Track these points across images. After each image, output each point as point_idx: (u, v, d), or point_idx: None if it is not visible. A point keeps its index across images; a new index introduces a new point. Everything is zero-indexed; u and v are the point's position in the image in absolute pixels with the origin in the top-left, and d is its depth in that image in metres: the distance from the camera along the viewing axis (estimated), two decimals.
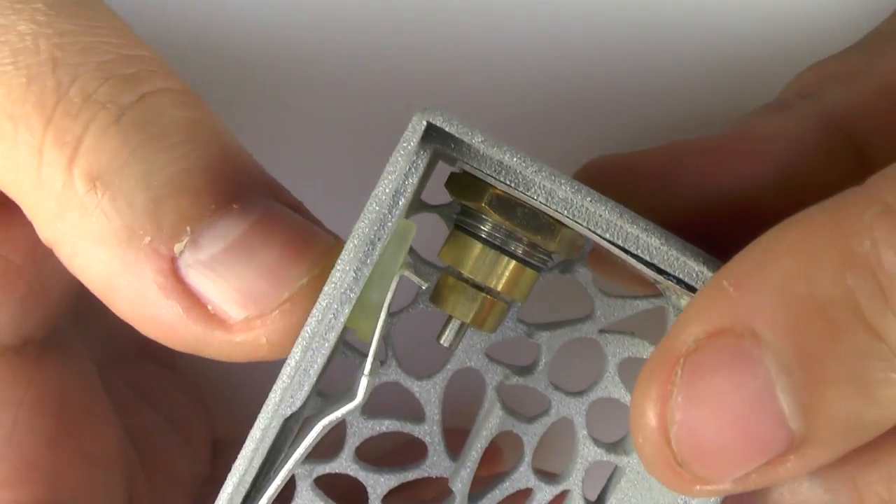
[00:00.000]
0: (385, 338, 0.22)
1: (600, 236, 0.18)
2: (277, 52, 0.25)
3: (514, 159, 0.18)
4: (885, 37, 0.23)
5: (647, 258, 0.18)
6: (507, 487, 0.22)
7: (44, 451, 0.20)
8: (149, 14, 0.24)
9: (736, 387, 0.16)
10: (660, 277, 0.18)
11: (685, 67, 0.26)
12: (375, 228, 0.18)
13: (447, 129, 0.17)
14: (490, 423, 0.22)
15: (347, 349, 0.22)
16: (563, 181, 0.18)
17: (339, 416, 0.19)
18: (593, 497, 0.23)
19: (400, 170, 0.17)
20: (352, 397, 0.19)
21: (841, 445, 0.16)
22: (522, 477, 0.22)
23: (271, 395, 0.18)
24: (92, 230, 0.17)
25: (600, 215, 0.18)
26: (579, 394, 0.22)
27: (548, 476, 0.23)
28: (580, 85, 0.26)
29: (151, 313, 0.17)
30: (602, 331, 0.22)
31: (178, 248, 0.17)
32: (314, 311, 0.18)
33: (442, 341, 0.20)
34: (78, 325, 0.23)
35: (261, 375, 0.19)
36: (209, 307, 0.17)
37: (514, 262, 0.19)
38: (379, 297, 0.19)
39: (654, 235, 0.18)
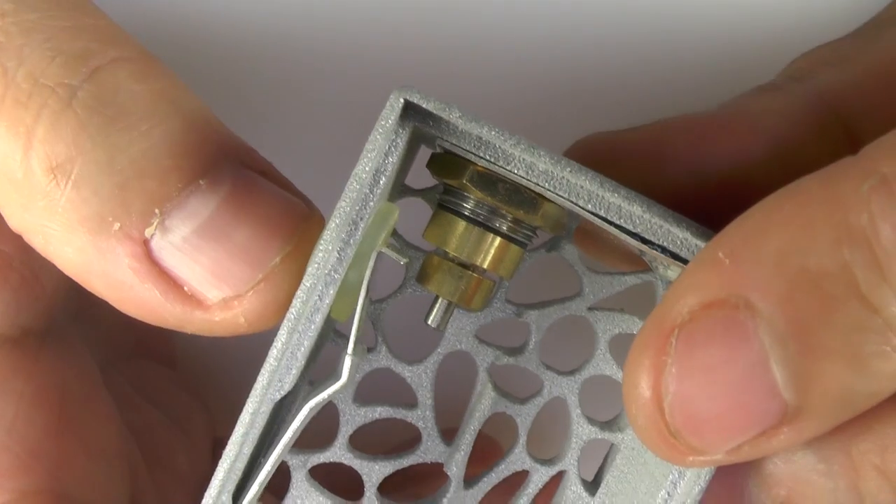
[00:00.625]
0: (374, 324, 0.22)
1: (582, 208, 0.18)
2: (267, 41, 0.25)
3: (492, 133, 0.17)
4: (877, 26, 0.23)
5: (631, 228, 0.18)
6: (502, 470, 0.22)
7: (45, 442, 0.20)
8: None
9: (730, 358, 0.16)
10: (645, 248, 0.18)
11: (676, 55, 0.26)
12: (357, 208, 0.18)
13: (424, 106, 0.17)
14: (483, 404, 0.22)
15: (338, 337, 0.22)
16: (541, 153, 0.18)
17: (325, 396, 0.19)
18: (590, 477, 0.22)
19: (379, 148, 0.17)
20: (337, 378, 0.19)
21: (834, 417, 0.16)
22: (518, 459, 0.22)
23: (259, 378, 0.18)
24: (60, 220, 0.17)
25: (581, 186, 0.18)
26: (571, 373, 0.22)
27: (543, 458, 0.22)
28: (570, 75, 0.26)
29: (130, 296, 0.17)
30: (591, 308, 0.22)
31: (148, 231, 0.17)
32: (298, 292, 0.18)
33: (430, 322, 0.20)
34: (77, 322, 0.23)
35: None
36: (185, 288, 0.17)
37: (498, 239, 0.19)
38: (359, 277, 0.19)
39: (636, 203, 0.18)
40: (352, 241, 0.18)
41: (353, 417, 0.22)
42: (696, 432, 0.16)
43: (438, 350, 0.22)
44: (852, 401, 0.16)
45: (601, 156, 0.22)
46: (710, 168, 0.21)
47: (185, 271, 0.17)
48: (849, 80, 0.21)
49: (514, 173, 0.18)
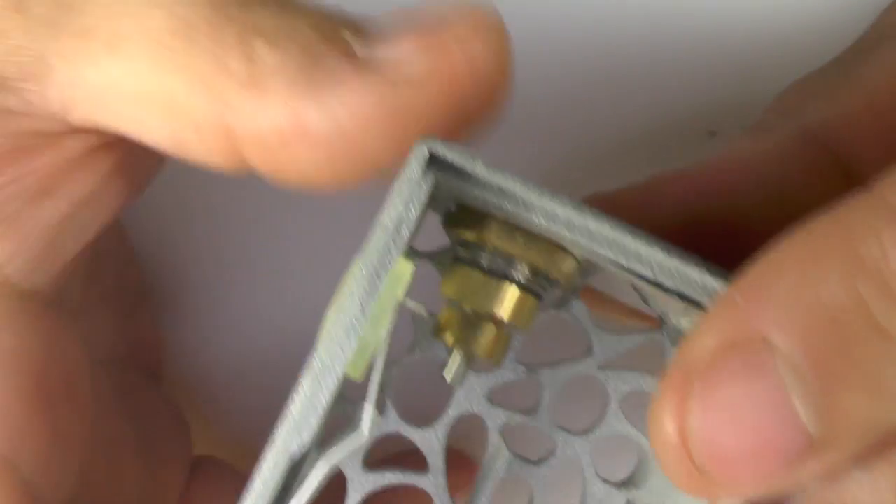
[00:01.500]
0: (383, 387, 0.21)
1: (603, 256, 0.18)
2: None
3: (515, 184, 0.18)
4: (862, 50, 0.24)
5: (651, 275, 0.18)
6: None
7: (14, 406, 0.19)
8: None
9: (752, 394, 0.16)
10: (663, 295, 0.18)
11: (672, 66, 0.26)
12: (380, 257, 0.18)
13: (448, 157, 0.18)
14: (497, 467, 0.22)
15: (344, 401, 0.21)
16: (564, 201, 0.18)
17: (345, 452, 0.18)
18: None
19: (405, 198, 0.18)
20: (356, 433, 0.19)
21: (859, 445, 0.16)
22: None
23: (279, 429, 0.18)
24: (272, 73, 0.18)
25: (602, 233, 0.18)
26: (584, 432, 0.22)
27: None
28: (566, 92, 0.27)
29: (344, 91, 0.18)
30: (602, 367, 0.22)
31: (347, 35, 0.18)
32: (323, 340, 0.18)
33: (445, 375, 0.20)
34: (76, 317, 0.22)
35: (246, 395, 0.19)
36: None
37: (516, 289, 0.19)
38: (372, 334, 0.18)
39: (657, 248, 0.18)
40: (375, 293, 0.18)
41: (363, 484, 0.22)
42: (723, 469, 0.16)
43: (449, 412, 0.22)
44: (876, 429, 0.16)
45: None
46: (704, 218, 0.22)
47: (394, 57, 0.18)
48: (838, 111, 0.22)
49: (534, 221, 0.18)
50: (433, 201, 0.20)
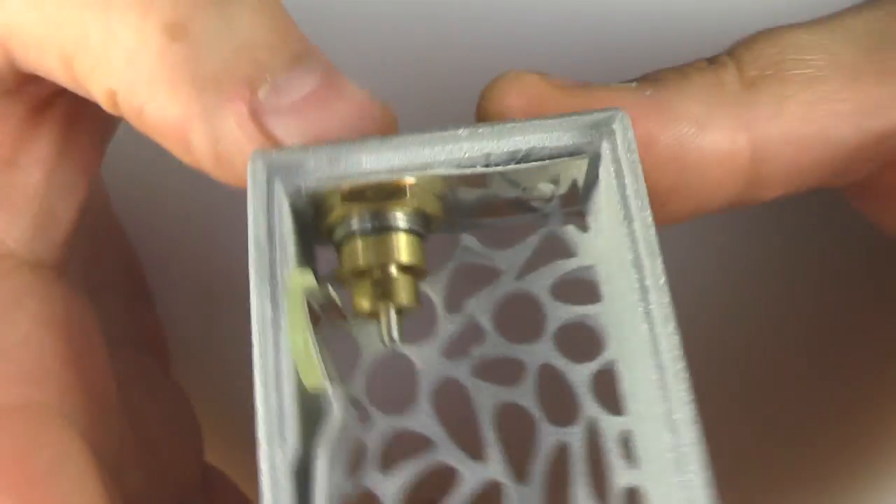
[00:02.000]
0: (358, 399, 0.23)
1: (432, 175, 0.21)
2: None
3: (336, 153, 0.21)
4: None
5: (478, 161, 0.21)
6: None
7: (53, 363, 0.20)
8: None
9: None
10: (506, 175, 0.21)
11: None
12: (265, 265, 0.20)
13: (281, 161, 0.20)
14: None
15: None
16: (384, 143, 0.21)
17: (329, 437, 0.19)
18: None
19: (257, 214, 0.20)
20: (330, 417, 0.20)
21: None
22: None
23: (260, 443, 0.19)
24: (168, 77, 0.18)
25: (428, 154, 0.21)
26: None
27: None
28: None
29: (229, 152, 0.18)
30: (518, 277, 0.24)
31: (261, 92, 0.18)
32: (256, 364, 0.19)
33: (387, 338, 0.22)
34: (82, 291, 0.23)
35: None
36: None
37: (398, 234, 0.21)
38: (304, 338, 0.20)
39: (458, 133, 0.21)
40: (276, 287, 0.20)
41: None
42: None
43: (423, 388, 0.23)
44: None
45: None
46: None
47: (291, 133, 0.19)
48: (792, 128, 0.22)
49: (374, 176, 0.21)
50: (297, 215, 0.22)
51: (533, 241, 0.24)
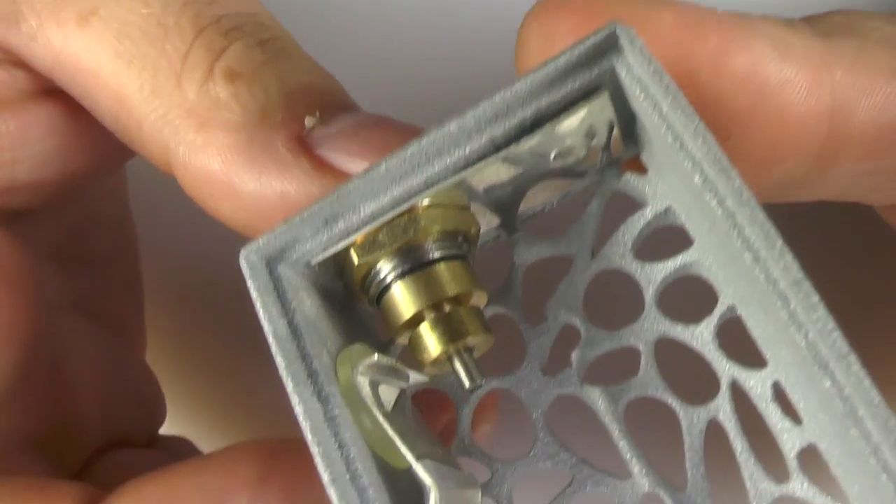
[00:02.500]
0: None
1: (452, 176, 0.18)
2: None
3: (325, 210, 0.18)
4: None
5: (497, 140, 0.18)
6: None
7: None
8: None
9: None
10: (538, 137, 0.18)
11: None
12: (299, 366, 0.18)
13: (263, 245, 0.18)
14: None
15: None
16: (365, 182, 0.18)
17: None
18: None
19: (268, 307, 0.18)
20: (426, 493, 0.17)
21: None
22: None
23: None
24: (222, 118, 0.19)
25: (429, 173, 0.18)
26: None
27: None
28: None
29: (278, 175, 0.19)
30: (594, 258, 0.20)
31: (308, 121, 0.19)
32: (314, 450, 0.17)
33: (468, 382, 0.19)
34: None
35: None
36: (335, 165, 0.19)
37: (437, 266, 0.19)
38: (371, 420, 0.18)
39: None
40: (319, 382, 0.17)
41: None
42: None
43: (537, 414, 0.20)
44: None
45: None
46: None
47: (338, 155, 0.19)
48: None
49: (379, 216, 0.18)
50: (323, 290, 0.20)
51: (594, 208, 0.20)
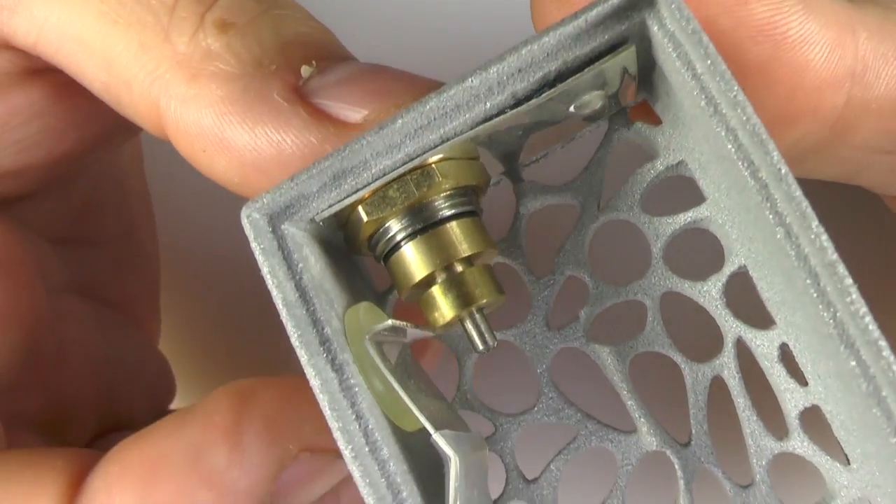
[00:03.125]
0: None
1: (466, 131, 0.17)
2: None
3: (335, 165, 0.17)
4: None
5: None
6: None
7: None
8: None
9: None
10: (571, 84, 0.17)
11: None
12: (308, 327, 0.17)
13: (267, 202, 0.17)
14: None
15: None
16: (380, 137, 0.17)
17: (453, 484, 0.17)
18: None
19: (272, 266, 0.17)
20: (447, 462, 0.17)
21: None
22: None
23: None
24: (215, 69, 0.18)
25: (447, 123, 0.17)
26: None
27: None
28: None
29: (274, 125, 0.18)
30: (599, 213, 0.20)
31: (305, 70, 0.18)
32: (336, 436, 0.16)
33: (482, 348, 0.18)
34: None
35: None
36: (332, 112, 0.18)
37: (449, 224, 0.18)
38: (384, 384, 0.17)
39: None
40: (332, 350, 0.17)
41: None
42: None
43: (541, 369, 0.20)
44: None
45: None
46: None
47: (334, 103, 0.18)
48: None
49: (389, 172, 0.17)
50: (336, 244, 0.19)
51: (602, 156, 0.20)
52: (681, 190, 0.20)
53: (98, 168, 0.25)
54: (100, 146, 0.23)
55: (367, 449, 0.16)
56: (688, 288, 0.19)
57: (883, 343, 0.15)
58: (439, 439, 0.17)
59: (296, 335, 0.17)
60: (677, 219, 0.19)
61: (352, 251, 0.19)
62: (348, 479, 0.20)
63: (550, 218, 0.20)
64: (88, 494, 0.18)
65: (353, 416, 0.16)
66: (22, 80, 0.21)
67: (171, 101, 0.18)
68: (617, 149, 0.20)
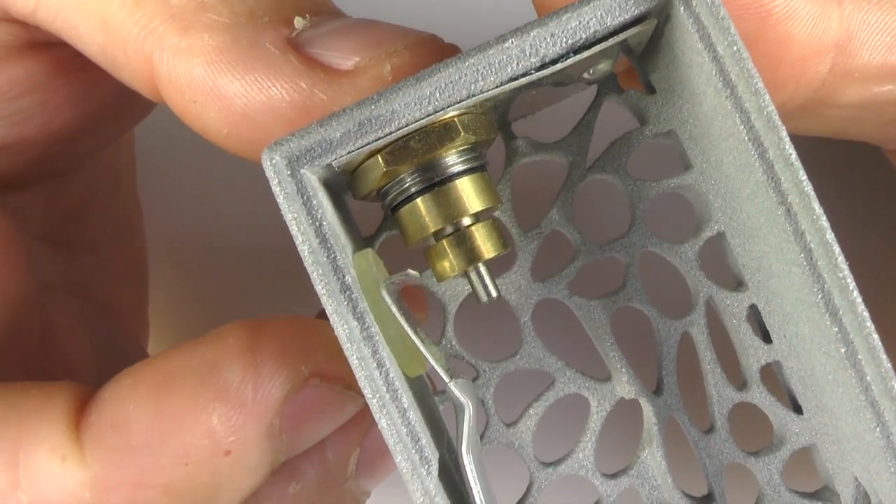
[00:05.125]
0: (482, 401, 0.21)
1: (490, 89, 0.17)
2: None
3: (364, 112, 0.17)
4: None
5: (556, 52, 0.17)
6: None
7: None
8: None
9: None
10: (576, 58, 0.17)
11: None
12: (327, 268, 0.17)
13: (290, 146, 0.17)
14: None
15: (444, 398, 0.20)
16: (415, 89, 0.17)
17: (466, 430, 0.17)
18: None
19: (295, 210, 0.17)
20: (462, 409, 0.18)
21: None
22: None
23: (400, 467, 0.17)
24: (207, 19, 0.18)
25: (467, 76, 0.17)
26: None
27: None
28: None
29: (267, 73, 0.18)
30: (590, 169, 0.21)
31: (298, 21, 0.18)
32: (357, 376, 0.17)
33: (485, 299, 0.19)
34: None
35: None
36: (324, 61, 0.18)
37: (459, 180, 0.18)
38: (397, 327, 0.18)
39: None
40: (353, 298, 0.17)
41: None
42: None
43: (524, 320, 0.21)
44: None
45: None
46: None
47: (325, 51, 0.18)
48: None
49: (408, 125, 0.17)
50: (335, 188, 0.19)
51: (591, 119, 0.21)
52: (660, 156, 0.21)
53: (92, 171, 0.25)
54: (93, 128, 0.23)
55: (388, 397, 0.17)
56: (666, 249, 0.20)
57: (865, 314, 0.17)
58: (454, 387, 0.18)
59: (322, 284, 0.16)
60: (662, 184, 0.20)
61: (355, 196, 0.19)
62: (337, 434, 0.20)
63: (535, 172, 0.21)
64: (99, 404, 0.18)
65: (376, 365, 0.17)
66: (21, 53, 0.20)
67: (163, 54, 0.18)
68: (606, 113, 0.20)
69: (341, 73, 0.18)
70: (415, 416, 0.17)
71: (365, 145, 0.17)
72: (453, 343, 0.20)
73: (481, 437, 0.20)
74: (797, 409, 0.20)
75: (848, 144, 0.23)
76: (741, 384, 0.20)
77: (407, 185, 0.18)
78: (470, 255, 0.18)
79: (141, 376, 0.18)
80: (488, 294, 0.19)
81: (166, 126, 0.24)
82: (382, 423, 0.16)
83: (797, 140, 0.18)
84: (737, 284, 0.20)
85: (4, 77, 0.20)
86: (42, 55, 0.21)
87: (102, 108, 0.23)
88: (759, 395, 0.20)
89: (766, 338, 0.20)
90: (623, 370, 0.21)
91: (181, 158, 0.28)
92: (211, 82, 0.18)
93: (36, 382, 0.19)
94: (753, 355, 0.20)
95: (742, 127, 0.17)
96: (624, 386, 0.21)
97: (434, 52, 0.19)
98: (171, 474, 0.18)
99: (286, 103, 0.18)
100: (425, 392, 0.19)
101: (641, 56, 0.20)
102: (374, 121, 0.17)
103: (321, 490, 0.21)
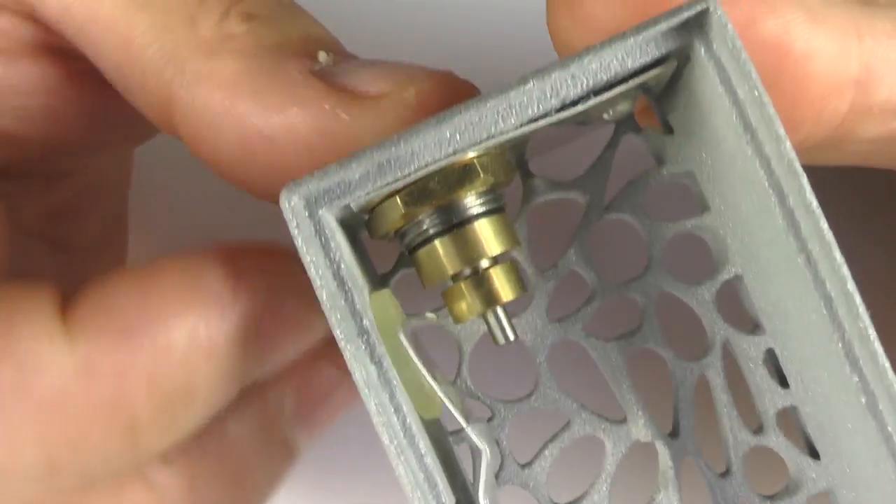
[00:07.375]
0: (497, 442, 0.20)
1: (510, 131, 0.17)
2: None
3: (384, 154, 0.17)
4: None
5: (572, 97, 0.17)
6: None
7: None
8: None
9: None
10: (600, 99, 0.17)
11: None
12: (346, 311, 0.17)
13: (310, 187, 0.17)
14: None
15: (458, 439, 0.20)
16: (436, 130, 0.17)
17: (484, 477, 0.17)
18: None
19: (314, 252, 0.17)
20: (478, 455, 0.17)
21: None
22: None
23: None
24: (233, 46, 0.18)
25: (485, 119, 0.17)
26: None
27: None
28: None
29: (287, 91, 0.18)
30: (608, 209, 0.21)
31: (322, 56, 0.19)
32: (376, 421, 0.16)
33: (501, 338, 0.19)
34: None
35: None
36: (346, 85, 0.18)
37: (477, 223, 0.18)
38: (413, 369, 0.17)
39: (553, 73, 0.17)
40: (371, 343, 0.17)
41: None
42: None
43: (539, 359, 0.21)
44: None
45: None
46: None
47: (352, 80, 0.19)
48: None
49: (428, 166, 0.17)
50: (351, 226, 0.18)
51: (608, 157, 0.20)
52: (677, 196, 0.21)
53: (84, 178, 0.25)
54: (93, 146, 0.23)
55: (406, 443, 0.16)
56: (683, 290, 0.20)
57: (887, 365, 0.17)
58: (472, 432, 0.17)
59: (340, 328, 0.16)
60: (679, 224, 0.20)
61: (371, 236, 0.19)
62: (277, 379, 0.21)
63: (550, 212, 0.21)
64: (86, 292, 0.18)
65: (393, 410, 0.17)
66: (38, 54, 0.21)
67: (184, 78, 0.18)
68: (622, 152, 0.20)
69: (365, 97, 0.19)
70: (432, 460, 0.17)
71: (384, 186, 0.17)
72: (468, 383, 0.20)
73: (496, 476, 0.20)
74: (814, 454, 0.20)
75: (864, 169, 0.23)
76: (757, 428, 0.20)
77: (425, 227, 0.18)
78: (488, 297, 0.18)
79: (126, 273, 0.19)
80: (506, 337, 0.18)
81: (166, 148, 0.24)
82: (400, 469, 0.16)
83: (813, 169, 0.18)
84: (754, 328, 0.20)
85: (18, 71, 0.21)
86: (59, 62, 0.21)
87: (108, 130, 0.23)
88: (775, 440, 0.20)
89: (783, 382, 0.20)
90: (639, 412, 0.20)
91: (178, 179, 0.28)
92: (230, 102, 0.18)
93: (15, 284, 0.19)
94: (770, 399, 0.20)
95: (762, 172, 0.17)
96: (640, 429, 0.20)
97: (456, 85, 0.19)
98: (155, 365, 0.18)
99: (307, 125, 0.18)
100: (440, 434, 0.19)
101: (659, 96, 0.19)
102: (393, 162, 0.17)
103: (258, 435, 0.21)
